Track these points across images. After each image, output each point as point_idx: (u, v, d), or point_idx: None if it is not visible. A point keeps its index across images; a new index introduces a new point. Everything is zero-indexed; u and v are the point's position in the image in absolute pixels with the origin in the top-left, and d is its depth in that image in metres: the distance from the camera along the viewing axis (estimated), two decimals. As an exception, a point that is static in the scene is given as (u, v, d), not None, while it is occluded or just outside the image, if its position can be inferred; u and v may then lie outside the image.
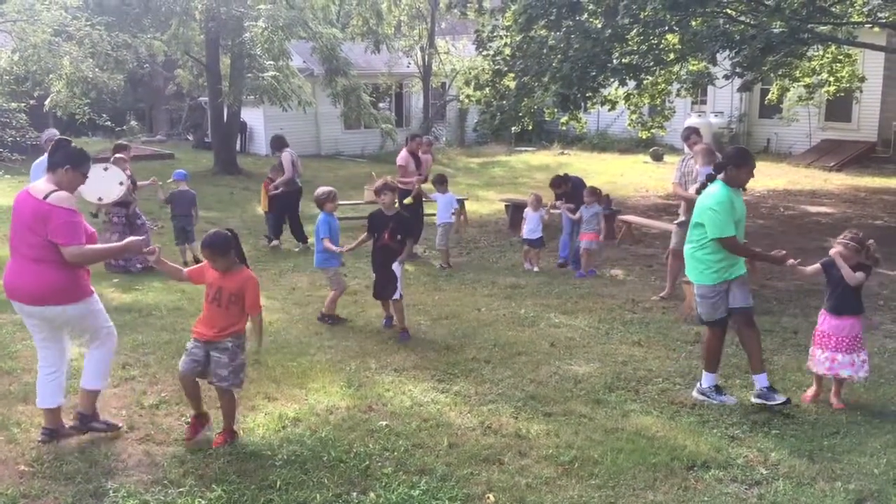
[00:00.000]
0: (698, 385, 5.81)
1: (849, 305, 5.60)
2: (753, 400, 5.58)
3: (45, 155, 8.77)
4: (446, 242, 10.55)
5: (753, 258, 5.86)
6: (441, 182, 10.75)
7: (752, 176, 5.73)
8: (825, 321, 5.68)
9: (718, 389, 5.74)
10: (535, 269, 10.26)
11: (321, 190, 7.86)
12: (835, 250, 5.60)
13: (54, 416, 4.89)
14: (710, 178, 5.74)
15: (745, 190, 5.77)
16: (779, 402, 5.44)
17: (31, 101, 14.87)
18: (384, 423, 5.19)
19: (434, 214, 11.11)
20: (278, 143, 11.89)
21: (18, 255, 4.73)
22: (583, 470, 4.57)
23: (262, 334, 5.11)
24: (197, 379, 4.89)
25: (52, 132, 9.17)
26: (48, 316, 4.74)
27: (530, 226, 10.34)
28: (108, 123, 15.31)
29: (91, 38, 13.74)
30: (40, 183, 4.75)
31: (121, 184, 8.80)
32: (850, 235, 5.62)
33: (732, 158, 5.64)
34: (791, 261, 5.62)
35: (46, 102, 17.30)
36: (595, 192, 10.10)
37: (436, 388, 5.90)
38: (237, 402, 5.04)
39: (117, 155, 9.58)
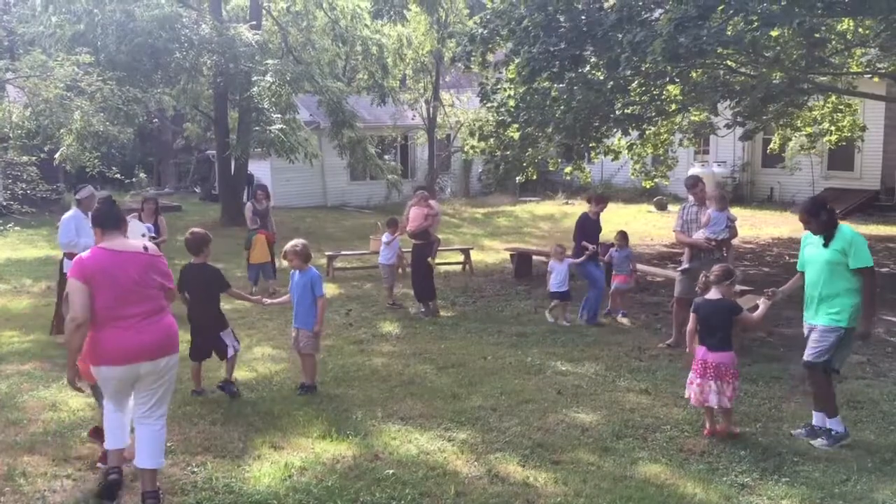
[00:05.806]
0: None
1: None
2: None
3: (75, 209, 8.94)
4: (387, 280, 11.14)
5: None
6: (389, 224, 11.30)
7: (804, 223, 5.93)
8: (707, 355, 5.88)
9: (812, 431, 5.86)
10: (566, 322, 9.74)
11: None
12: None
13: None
14: None
15: (825, 238, 5.86)
16: (822, 444, 5.70)
17: (42, 155, 15.06)
18: (391, 471, 5.17)
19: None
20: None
21: (140, 313, 4.60)
22: (591, 518, 4.53)
23: None
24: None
25: (90, 189, 9.34)
26: (168, 366, 4.73)
27: (558, 279, 9.86)
28: (118, 176, 15.50)
29: (102, 93, 13.98)
30: (124, 240, 4.73)
31: (143, 235, 9.00)
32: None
33: None
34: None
35: (56, 156, 17.54)
36: (626, 235, 10.61)
37: (442, 436, 5.87)
38: None
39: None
